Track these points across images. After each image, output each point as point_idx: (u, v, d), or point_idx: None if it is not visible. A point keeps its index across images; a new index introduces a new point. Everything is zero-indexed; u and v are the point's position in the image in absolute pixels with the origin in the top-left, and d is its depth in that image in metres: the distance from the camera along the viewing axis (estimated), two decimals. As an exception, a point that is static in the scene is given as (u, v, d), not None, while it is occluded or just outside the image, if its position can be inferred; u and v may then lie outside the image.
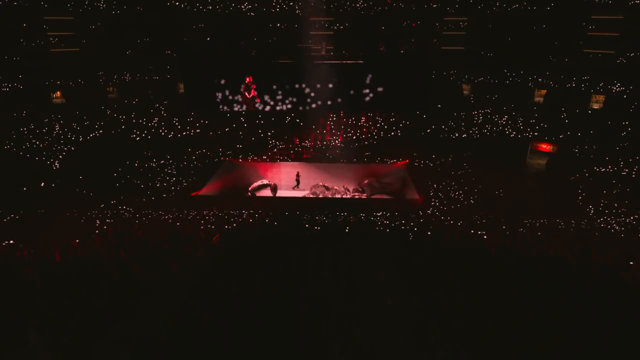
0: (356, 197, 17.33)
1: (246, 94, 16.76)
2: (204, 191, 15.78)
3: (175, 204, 14.76)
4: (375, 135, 19.33)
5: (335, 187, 17.53)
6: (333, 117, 19.94)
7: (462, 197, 14.91)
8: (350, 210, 14.16)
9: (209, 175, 16.85)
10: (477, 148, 18.28)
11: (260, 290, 6.91)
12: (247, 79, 16.69)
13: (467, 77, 22.11)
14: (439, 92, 19.82)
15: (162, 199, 15.01)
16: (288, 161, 18.32)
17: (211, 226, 11.68)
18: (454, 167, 17.37)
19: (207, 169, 17.48)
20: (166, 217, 12.71)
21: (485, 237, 10.66)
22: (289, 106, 17.34)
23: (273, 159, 18.30)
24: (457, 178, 16.38)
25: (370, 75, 16.57)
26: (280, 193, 17.56)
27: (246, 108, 17.41)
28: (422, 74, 16.73)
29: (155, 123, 19.78)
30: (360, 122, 20.11)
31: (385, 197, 17.13)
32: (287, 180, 18.15)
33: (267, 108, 17.41)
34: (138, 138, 18.88)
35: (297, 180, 17.44)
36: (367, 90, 16.74)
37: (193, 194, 15.31)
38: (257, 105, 17.14)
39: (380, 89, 16.68)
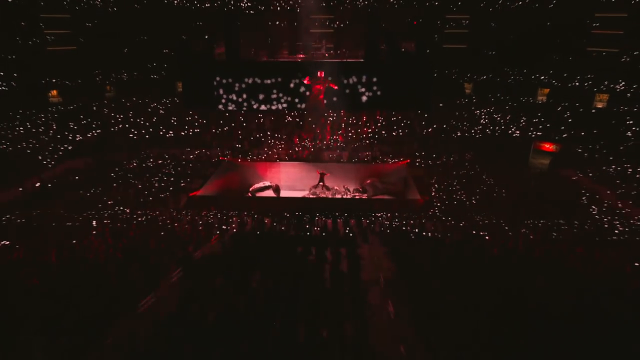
0: (357, 197, 17.32)
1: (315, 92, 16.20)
2: (203, 191, 15.78)
3: (173, 205, 14.76)
4: (376, 134, 19.34)
5: (335, 188, 17.52)
6: (333, 116, 19.94)
7: (464, 198, 14.91)
8: (351, 210, 14.15)
9: (207, 176, 16.85)
10: (479, 148, 18.29)
11: (259, 291, 6.91)
12: (319, 73, 16.21)
13: (469, 76, 22.13)
14: (440, 91, 19.84)
15: (159, 199, 15.01)
16: (288, 161, 18.31)
17: (209, 227, 11.69)
18: (456, 167, 17.36)
19: (206, 169, 17.48)
20: (164, 217, 12.71)
21: (487, 237, 10.67)
22: (284, 105, 17.23)
23: (272, 159, 18.29)
24: (459, 178, 16.38)
25: (371, 74, 16.56)
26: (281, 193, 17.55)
27: (308, 107, 16.77)
28: (424, 72, 16.71)
29: (153, 122, 19.80)
30: (361, 121, 20.12)
31: (386, 197, 17.13)
32: (286, 181, 18.13)
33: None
34: (135, 137, 18.89)
35: (321, 179, 17.23)
36: (368, 89, 16.72)
37: (191, 194, 15.31)
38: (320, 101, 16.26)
39: (381, 88, 16.66)
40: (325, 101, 16.63)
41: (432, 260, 8.51)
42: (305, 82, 16.44)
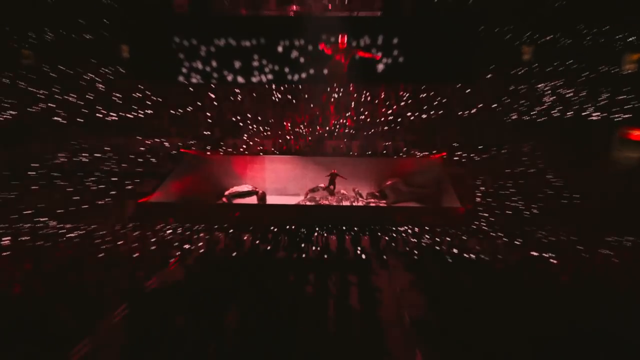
0: (372, 204, 17.37)
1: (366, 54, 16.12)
2: (157, 196, 15.84)
3: (117, 215, 14.80)
4: (399, 117, 19.39)
5: (342, 191, 17.58)
6: (339, 92, 19.97)
7: (520, 205, 14.94)
8: (364, 223, 14.20)
9: (163, 174, 16.90)
10: (542, 136, 18.32)
11: (236, 335, 6.94)
12: (341, 38, 16.09)
13: (528, 36, 22.14)
14: (488, 58, 19.85)
15: (97, 207, 15.07)
16: (276, 154, 18.36)
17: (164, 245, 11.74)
18: (510, 162, 17.40)
19: (162, 166, 17.53)
20: (103, 233, 12.76)
21: (554, 261, 10.70)
22: (270, 77, 17.20)
23: (254, 151, 18.34)
24: (514, 178, 16.42)
25: (391, 34, 16.59)
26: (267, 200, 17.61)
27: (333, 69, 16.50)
28: (465, 32, 16.75)
29: (88, 100, 19.84)
30: (379, 99, 20.17)
31: (413, 205, 17.16)
32: (273, 182, 18.19)
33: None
34: (65, 121, 18.95)
35: (331, 182, 17.24)
36: (387, 54, 16.74)
37: (141, 200, 15.38)
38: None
39: (404, 52, 16.69)
40: (347, 77, 16.63)
41: (475, 291, 8.53)
42: (326, 50, 16.28)
